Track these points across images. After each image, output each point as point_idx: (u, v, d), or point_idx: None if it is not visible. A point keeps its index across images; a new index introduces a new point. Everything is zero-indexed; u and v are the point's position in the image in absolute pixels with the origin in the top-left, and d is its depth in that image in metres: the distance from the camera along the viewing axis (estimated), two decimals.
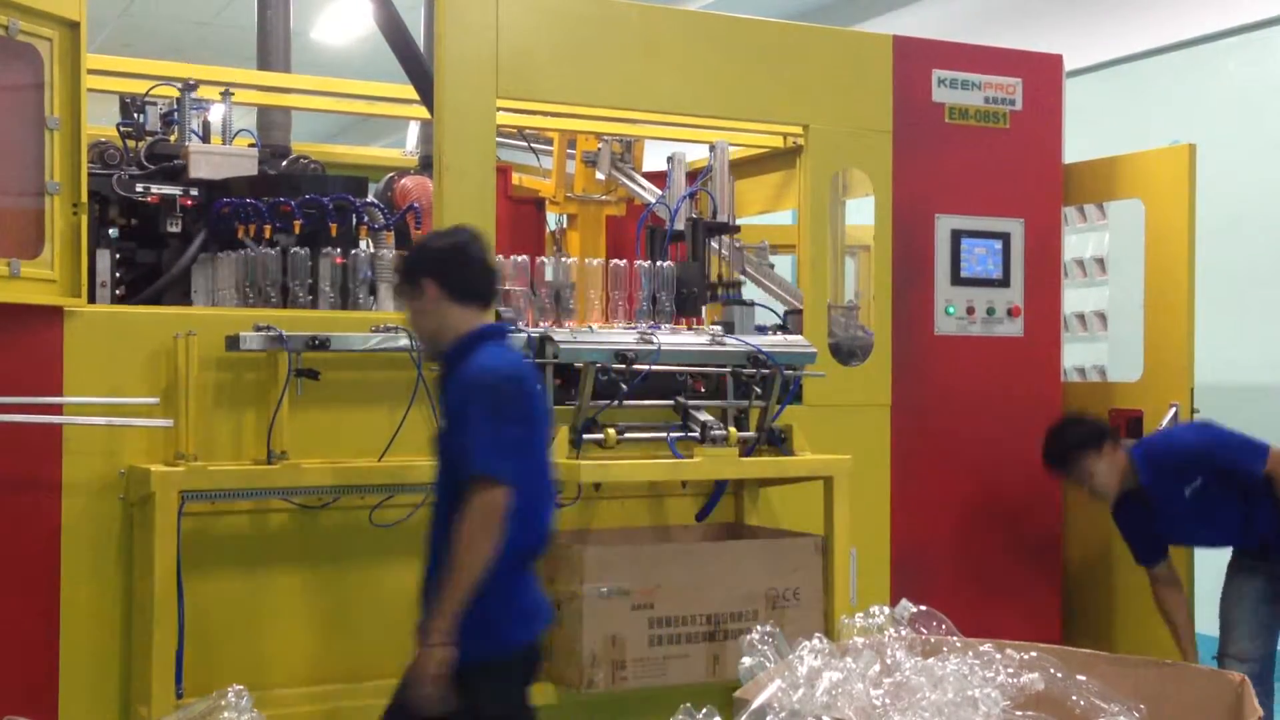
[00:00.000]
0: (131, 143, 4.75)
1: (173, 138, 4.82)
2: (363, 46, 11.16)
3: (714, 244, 5.01)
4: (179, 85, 4.85)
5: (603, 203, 6.23)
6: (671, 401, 4.44)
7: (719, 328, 4.69)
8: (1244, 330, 7.33)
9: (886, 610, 2.53)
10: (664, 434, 4.37)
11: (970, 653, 2.37)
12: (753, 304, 5.00)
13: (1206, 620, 4.95)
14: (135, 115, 4.80)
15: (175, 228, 4.51)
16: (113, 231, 4.50)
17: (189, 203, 4.52)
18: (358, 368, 4.12)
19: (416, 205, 4.67)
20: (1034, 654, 2.38)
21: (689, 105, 4.88)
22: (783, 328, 5.16)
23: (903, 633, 2.47)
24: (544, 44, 4.45)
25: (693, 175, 5.33)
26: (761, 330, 5.00)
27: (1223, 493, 4.62)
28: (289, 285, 4.25)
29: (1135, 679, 2.50)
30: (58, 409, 3.80)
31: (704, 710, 2.11)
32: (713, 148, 5.12)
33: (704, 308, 4.89)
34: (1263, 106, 7.38)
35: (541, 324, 4.51)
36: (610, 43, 4.59)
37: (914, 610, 2.54)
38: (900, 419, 5.05)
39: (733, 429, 4.40)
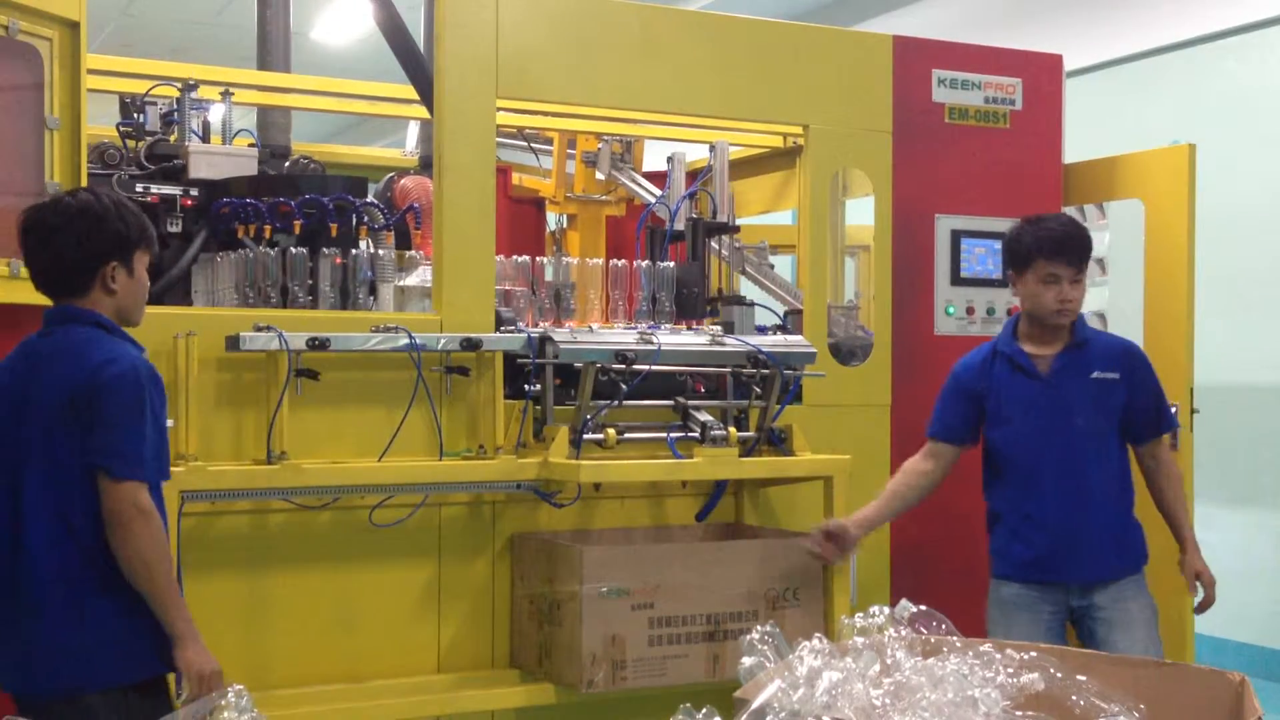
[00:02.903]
0: (131, 143, 4.75)
1: (173, 138, 4.83)
2: (363, 46, 11.17)
3: (714, 245, 5.02)
4: (179, 85, 4.85)
5: (603, 203, 6.23)
6: (671, 401, 4.44)
7: (719, 328, 4.69)
8: (1244, 330, 7.33)
9: (886, 610, 2.52)
10: (664, 434, 4.38)
11: (970, 653, 2.37)
12: (752, 304, 5.00)
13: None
14: (135, 115, 4.80)
15: (175, 228, 4.51)
16: None
17: (189, 203, 4.52)
18: (358, 368, 4.12)
19: (416, 205, 4.67)
20: (1034, 654, 2.38)
21: (689, 105, 4.88)
22: (783, 328, 5.16)
23: (903, 633, 2.47)
24: (544, 44, 4.45)
25: (693, 175, 5.33)
26: (761, 330, 5.00)
27: (1115, 432, 4.10)
28: (289, 285, 4.25)
29: (1135, 679, 2.50)
30: None
31: (704, 710, 2.11)
32: (713, 148, 5.12)
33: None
34: (1263, 106, 7.38)
35: (541, 324, 4.52)
36: (610, 43, 4.59)
37: (914, 610, 2.54)
38: (900, 419, 5.04)
39: (733, 429, 4.40)
